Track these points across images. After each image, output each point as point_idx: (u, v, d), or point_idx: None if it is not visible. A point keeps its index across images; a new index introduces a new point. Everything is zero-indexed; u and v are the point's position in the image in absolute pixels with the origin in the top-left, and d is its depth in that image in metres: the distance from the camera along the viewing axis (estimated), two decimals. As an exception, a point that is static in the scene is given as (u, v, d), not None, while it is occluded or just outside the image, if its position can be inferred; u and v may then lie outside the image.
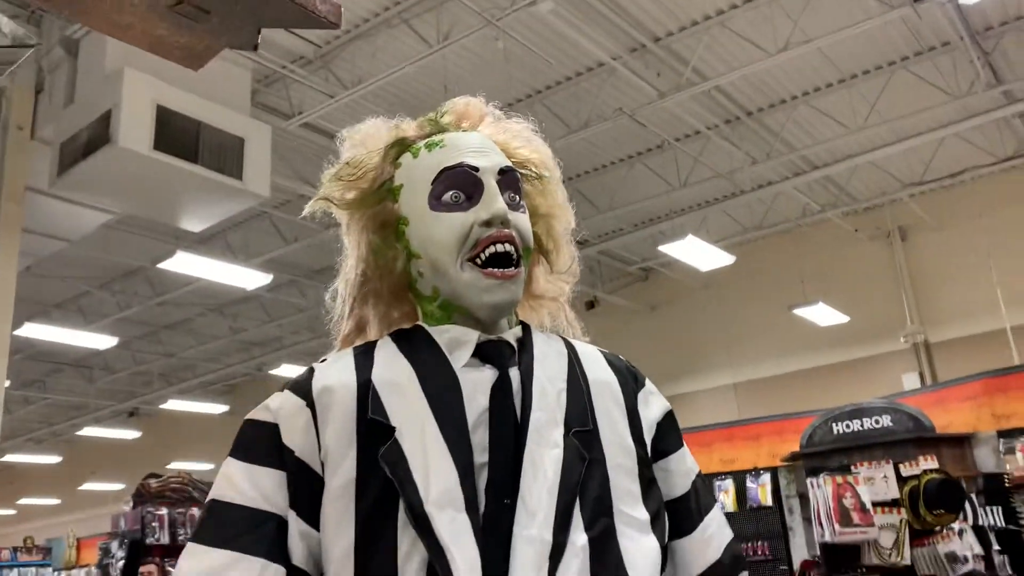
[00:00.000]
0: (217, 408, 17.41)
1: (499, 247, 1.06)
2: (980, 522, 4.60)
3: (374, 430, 0.97)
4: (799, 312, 11.19)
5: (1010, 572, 4.80)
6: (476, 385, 1.01)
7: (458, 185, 1.08)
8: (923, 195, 11.15)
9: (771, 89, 8.85)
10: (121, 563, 6.97)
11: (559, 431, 0.99)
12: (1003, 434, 6.57)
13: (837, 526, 3.46)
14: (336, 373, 1.04)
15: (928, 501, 3.62)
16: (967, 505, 4.43)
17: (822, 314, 11.29)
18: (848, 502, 3.54)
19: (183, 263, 8.99)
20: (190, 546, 0.97)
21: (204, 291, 12.47)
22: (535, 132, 1.22)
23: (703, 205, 11.14)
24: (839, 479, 3.58)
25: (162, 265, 9.31)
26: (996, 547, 4.69)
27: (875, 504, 3.60)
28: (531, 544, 0.91)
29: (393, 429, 0.97)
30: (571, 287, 1.23)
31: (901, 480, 3.78)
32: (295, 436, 1.00)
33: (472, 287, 1.05)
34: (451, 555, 0.88)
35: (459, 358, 1.04)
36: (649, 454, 1.09)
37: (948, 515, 3.64)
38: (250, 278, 10.06)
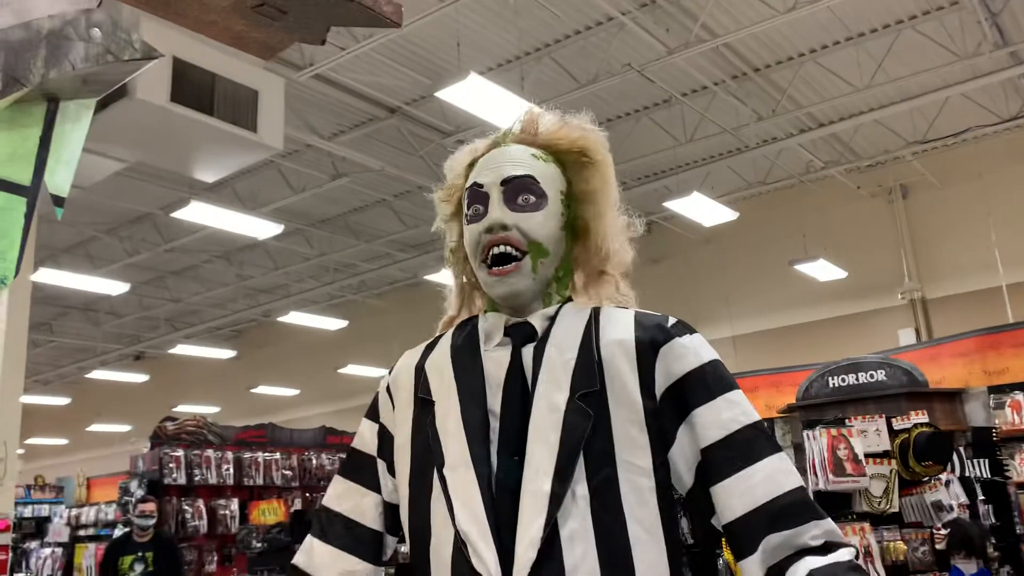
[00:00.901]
0: (224, 353, 17.66)
1: (496, 249, 1.25)
2: (967, 473, 4.81)
3: (423, 404, 1.26)
4: (799, 267, 11.34)
5: (993, 520, 5.03)
6: (498, 363, 1.23)
7: (476, 200, 1.30)
8: (926, 154, 11.23)
9: (779, 46, 8.88)
10: (140, 502, 7.24)
11: (563, 396, 1.17)
12: (993, 390, 6.78)
13: (831, 475, 3.67)
14: (407, 361, 1.35)
15: (917, 453, 3.83)
16: (955, 457, 4.63)
17: (822, 270, 11.45)
18: (842, 453, 3.74)
19: (197, 212, 9.11)
20: (335, 476, 1.37)
21: (211, 239, 12.60)
22: (592, 122, 1.37)
23: (708, 160, 11.22)
24: (834, 431, 3.78)
25: (176, 214, 9.42)
26: (981, 497, 4.90)
27: (867, 455, 3.80)
28: (534, 496, 1.11)
29: (434, 403, 1.24)
30: (628, 260, 1.40)
31: (892, 433, 3.98)
32: (383, 406, 1.34)
33: (486, 284, 1.28)
34: (455, 505, 1.13)
35: (492, 340, 1.27)
36: (659, 406, 1.19)
37: (936, 466, 3.84)
38: (262, 228, 10.19)
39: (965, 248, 11.06)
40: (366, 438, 1.34)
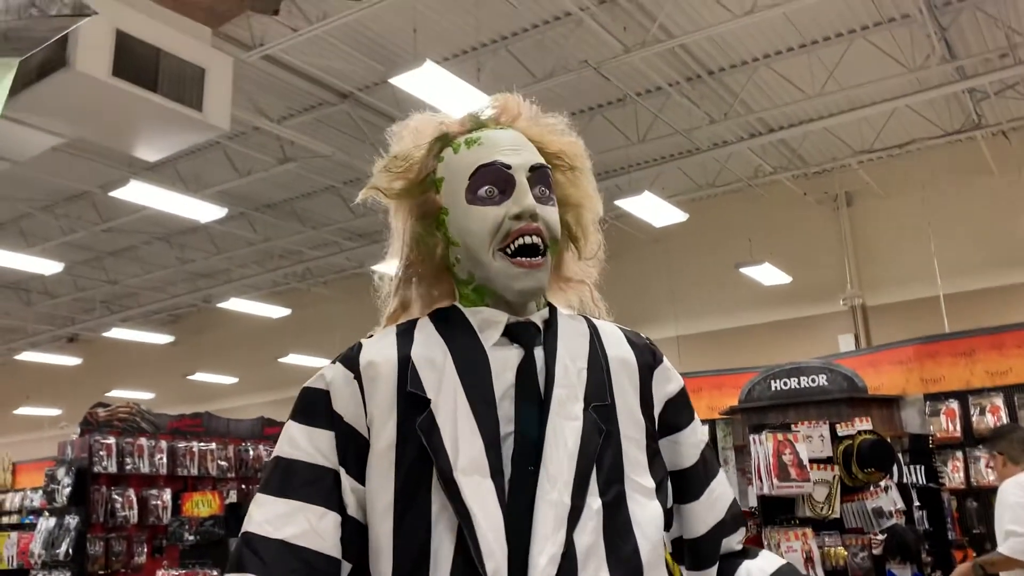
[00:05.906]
0: (161, 338, 17.19)
1: (527, 239, 1.16)
2: (904, 480, 4.90)
3: (412, 401, 1.10)
4: (745, 271, 11.48)
5: (927, 526, 5.14)
6: (504, 362, 1.13)
7: (492, 181, 1.18)
8: (871, 163, 11.44)
9: (734, 50, 8.94)
10: (68, 490, 6.98)
11: (579, 405, 1.11)
12: (930, 397, 6.94)
13: (775, 480, 3.68)
14: (380, 349, 1.16)
15: (861, 460, 3.87)
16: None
17: (766, 274, 11.60)
18: (787, 458, 3.76)
19: (137, 192, 8.81)
20: (259, 496, 1.11)
21: (151, 219, 12.23)
22: (569, 127, 1.31)
23: (659, 161, 11.26)
24: (780, 436, 3.80)
25: (115, 193, 9.09)
26: (916, 503, 5.00)
27: (811, 461, 3.83)
28: (552, 507, 1.03)
29: (429, 401, 1.09)
30: (597, 271, 1.34)
31: (836, 439, 4.01)
32: (344, 404, 1.13)
33: (502, 274, 1.16)
34: (475, 517, 1.01)
35: (489, 337, 1.16)
36: (656, 428, 1.21)
37: (878, 473, 3.89)
38: (204, 210, 9.91)
39: (906, 257, 11.31)
40: (315, 446, 1.12)
